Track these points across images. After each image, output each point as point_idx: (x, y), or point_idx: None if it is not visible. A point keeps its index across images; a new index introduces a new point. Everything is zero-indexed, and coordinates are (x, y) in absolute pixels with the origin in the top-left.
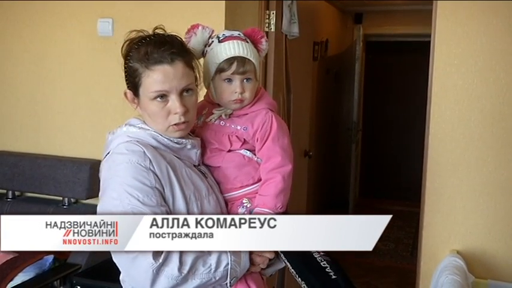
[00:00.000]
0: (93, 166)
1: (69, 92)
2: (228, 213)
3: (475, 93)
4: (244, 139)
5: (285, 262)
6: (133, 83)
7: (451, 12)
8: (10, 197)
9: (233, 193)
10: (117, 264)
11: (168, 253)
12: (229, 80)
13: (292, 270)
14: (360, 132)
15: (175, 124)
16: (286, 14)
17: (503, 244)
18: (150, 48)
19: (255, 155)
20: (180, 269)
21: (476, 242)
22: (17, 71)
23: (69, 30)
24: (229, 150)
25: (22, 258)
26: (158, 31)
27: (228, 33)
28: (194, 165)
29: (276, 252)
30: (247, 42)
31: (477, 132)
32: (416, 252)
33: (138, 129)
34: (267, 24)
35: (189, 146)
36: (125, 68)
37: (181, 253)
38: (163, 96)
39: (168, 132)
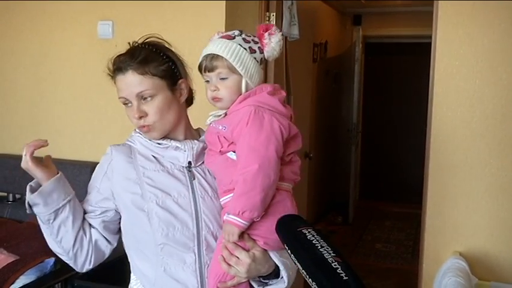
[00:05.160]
0: (94, 169)
1: (70, 94)
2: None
3: (476, 95)
4: (227, 139)
5: (295, 263)
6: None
7: (452, 13)
8: (11, 200)
9: (223, 198)
10: None
11: None
12: (207, 81)
13: (303, 271)
14: (359, 133)
15: (141, 126)
16: (286, 16)
17: (506, 246)
18: (117, 59)
19: None
20: None
21: (479, 243)
22: (17, 73)
23: (69, 32)
24: (221, 152)
25: (23, 261)
26: (152, 39)
27: (226, 34)
28: (184, 166)
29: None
30: (233, 39)
31: (479, 133)
32: (417, 254)
33: (134, 133)
34: None
35: (172, 148)
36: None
37: None
38: (127, 103)
39: (143, 133)
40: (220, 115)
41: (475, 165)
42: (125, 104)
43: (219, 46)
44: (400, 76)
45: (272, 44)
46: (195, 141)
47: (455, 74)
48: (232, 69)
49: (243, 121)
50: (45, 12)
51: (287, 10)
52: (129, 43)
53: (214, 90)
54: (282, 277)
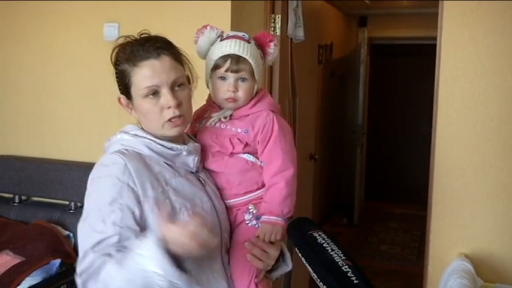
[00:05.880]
0: None
1: (75, 96)
2: (233, 219)
3: (481, 96)
4: (246, 142)
5: (306, 266)
6: (124, 86)
7: (457, 14)
8: (17, 201)
9: (237, 199)
10: None
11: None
12: (223, 78)
13: (314, 274)
14: (365, 135)
15: (170, 120)
16: (292, 18)
17: None
18: (135, 47)
19: (257, 158)
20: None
21: (484, 245)
22: (22, 75)
23: (75, 34)
24: (232, 154)
25: (29, 263)
26: (143, 35)
27: (232, 33)
28: (192, 172)
29: (280, 254)
30: (249, 43)
31: (484, 135)
32: (423, 255)
33: (132, 137)
34: (272, 28)
35: (184, 153)
36: (116, 74)
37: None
38: (155, 92)
39: (164, 130)
40: (226, 117)
41: (479, 167)
42: (148, 95)
43: (243, 48)
44: (405, 78)
45: (274, 54)
46: (196, 144)
47: (460, 76)
48: (252, 74)
49: (268, 126)
50: (51, 14)
51: (292, 12)
52: (138, 36)
53: (234, 91)
54: (284, 261)
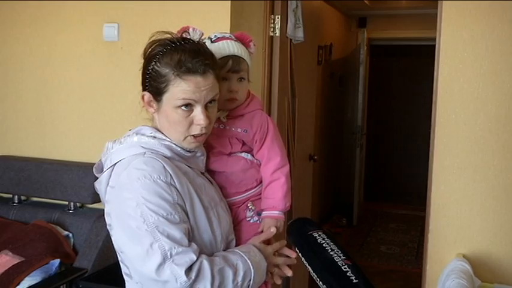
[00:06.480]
0: None
1: (75, 96)
2: (234, 217)
3: (480, 97)
4: (243, 141)
5: (306, 266)
6: (157, 88)
7: (456, 15)
8: (16, 201)
9: (237, 197)
10: (140, 283)
11: (200, 268)
12: (224, 79)
13: (314, 274)
14: (364, 136)
15: (194, 135)
16: (291, 19)
17: (510, 248)
18: (184, 57)
19: (253, 156)
20: (212, 284)
21: (483, 245)
22: (22, 75)
23: (75, 34)
24: (230, 153)
25: (28, 263)
26: (185, 35)
27: (219, 34)
28: (202, 173)
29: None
30: (239, 43)
31: (483, 136)
32: (422, 256)
33: (152, 139)
34: (272, 29)
35: (198, 154)
36: (149, 70)
37: (212, 268)
38: (188, 105)
39: (184, 142)
40: (225, 117)
41: (478, 168)
42: (181, 106)
43: (239, 49)
44: (405, 78)
45: (254, 54)
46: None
47: (459, 76)
48: (248, 74)
49: (264, 125)
50: (51, 14)
51: (292, 12)
52: (182, 38)
53: (236, 91)
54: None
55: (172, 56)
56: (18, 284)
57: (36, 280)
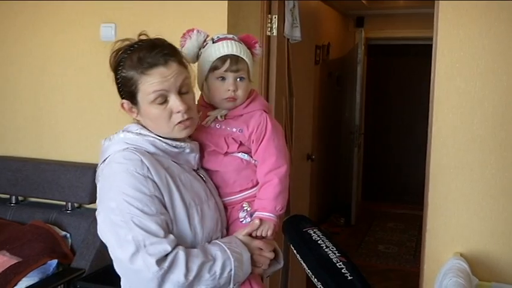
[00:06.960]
0: (96, 171)
1: (72, 96)
2: (228, 217)
3: (477, 96)
4: (240, 141)
5: (301, 263)
6: (129, 92)
7: (452, 15)
8: (13, 202)
9: (232, 197)
10: (120, 274)
11: (174, 259)
12: (223, 78)
13: (309, 271)
14: (362, 135)
15: (179, 122)
16: (288, 18)
17: (507, 246)
18: (142, 54)
19: (251, 157)
20: (186, 275)
21: (480, 244)
22: (20, 75)
23: (72, 35)
24: (226, 153)
25: (26, 263)
26: (142, 37)
27: (222, 35)
28: (193, 170)
29: (275, 252)
30: (241, 43)
31: (479, 134)
32: (420, 255)
33: (136, 136)
34: (269, 29)
35: (187, 150)
36: (118, 78)
37: (187, 259)
38: (161, 97)
39: (175, 132)
40: (222, 116)
41: (475, 167)
42: (156, 100)
43: (239, 49)
44: (402, 78)
45: (259, 55)
46: (195, 142)
47: (456, 75)
48: (248, 73)
49: (262, 125)
50: (48, 15)
51: (289, 12)
52: (139, 39)
53: (234, 90)
54: (277, 259)
55: (132, 58)
56: (15, 285)
57: (33, 280)
